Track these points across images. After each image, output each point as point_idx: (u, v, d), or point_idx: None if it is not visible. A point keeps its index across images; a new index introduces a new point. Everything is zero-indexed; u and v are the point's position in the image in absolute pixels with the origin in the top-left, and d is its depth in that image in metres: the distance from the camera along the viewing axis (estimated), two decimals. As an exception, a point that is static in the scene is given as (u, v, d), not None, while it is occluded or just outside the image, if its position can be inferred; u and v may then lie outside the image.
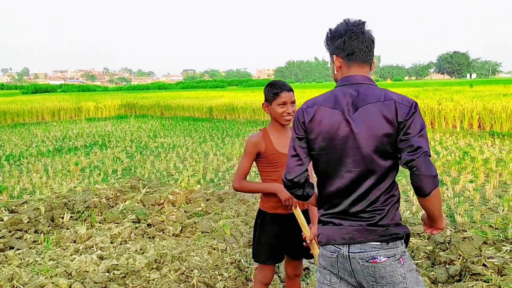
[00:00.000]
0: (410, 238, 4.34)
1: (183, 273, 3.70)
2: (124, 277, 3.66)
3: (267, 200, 2.65)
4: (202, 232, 4.75)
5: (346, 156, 1.74)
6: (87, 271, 3.76)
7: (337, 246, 1.79)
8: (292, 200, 2.48)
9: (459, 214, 4.99)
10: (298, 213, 2.54)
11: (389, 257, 1.73)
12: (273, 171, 2.59)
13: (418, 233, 4.47)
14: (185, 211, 5.48)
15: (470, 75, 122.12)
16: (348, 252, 1.77)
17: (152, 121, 18.84)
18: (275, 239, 2.65)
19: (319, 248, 1.93)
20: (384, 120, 1.68)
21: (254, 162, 2.66)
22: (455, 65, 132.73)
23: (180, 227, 4.89)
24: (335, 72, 1.88)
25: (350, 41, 1.78)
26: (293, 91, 2.55)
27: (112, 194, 6.05)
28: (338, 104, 1.76)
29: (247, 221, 4.99)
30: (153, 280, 3.60)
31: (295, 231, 2.61)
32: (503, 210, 5.13)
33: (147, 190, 6.43)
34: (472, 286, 3.33)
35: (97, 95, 35.20)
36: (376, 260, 1.73)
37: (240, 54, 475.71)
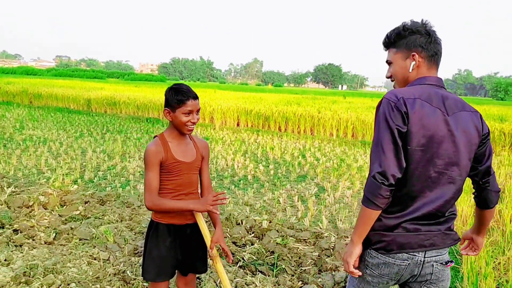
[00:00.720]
0: (298, 244, 4.47)
1: (58, 288, 3.27)
2: (-17, 295, 3.11)
3: None
4: (80, 239, 4.28)
5: (438, 157, 1.69)
6: None
7: (411, 253, 1.74)
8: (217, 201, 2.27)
9: (341, 221, 5.26)
10: (202, 222, 2.39)
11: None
12: (170, 180, 2.37)
13: (304, 239, 4.59)
14: (59, 215, 4.91)
15: (342, 86, 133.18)
16: (424, 257, 1.75)
17: (18, 109, 17.03)
18: (168, 252, 2.44)
19: (367, 256, 1.81)
20: (475, 130, 1.75)
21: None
22: (329, 76, 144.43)
23: (54, 234, 4.36)
24: (410, 70, 1.81)
25: (435, 43, 1.78)
26: (198, 99, 2.34)
27: (-32, 194, 5.19)
28: (435, 102, 1.70)
29: (132, 226, 4.64)
30: (21, 298, 3.11)
31: (189, 244, 2.46)
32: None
33: (13, 189, 5.66)
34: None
35: (-51, 75, 30.73)
36: (452, 263, 1.80)
37: (121, 45, 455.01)
